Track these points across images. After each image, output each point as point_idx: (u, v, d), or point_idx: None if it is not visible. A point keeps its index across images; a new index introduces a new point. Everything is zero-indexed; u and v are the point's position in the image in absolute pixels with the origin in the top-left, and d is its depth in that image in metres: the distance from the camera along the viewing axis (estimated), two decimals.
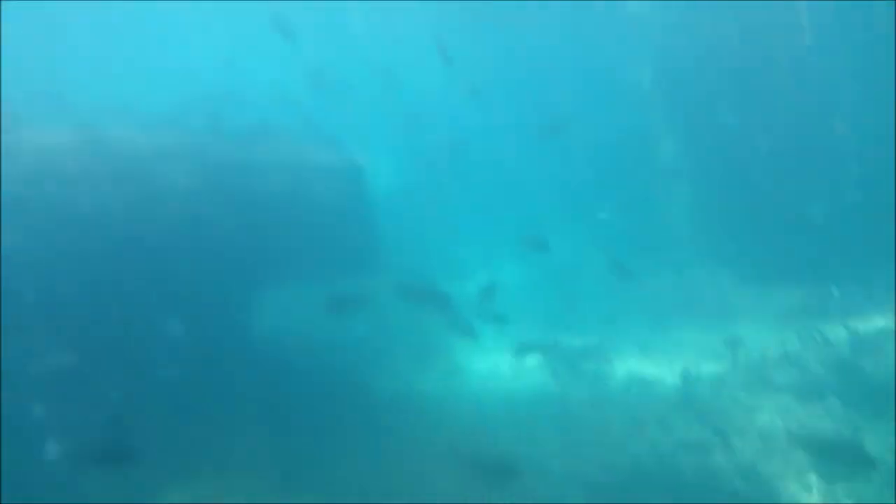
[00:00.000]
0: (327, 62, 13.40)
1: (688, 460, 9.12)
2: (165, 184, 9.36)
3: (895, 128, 12.20)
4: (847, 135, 13.31)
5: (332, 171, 11.50)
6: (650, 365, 12.63)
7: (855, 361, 11.01)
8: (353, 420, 9.41)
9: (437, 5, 14.79)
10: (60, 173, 8.73)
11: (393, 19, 18.35)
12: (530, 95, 16.50)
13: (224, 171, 10.11)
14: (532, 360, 12.41)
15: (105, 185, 8.96)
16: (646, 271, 13.98)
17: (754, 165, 14.25)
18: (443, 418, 10.45)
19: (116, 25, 19.27)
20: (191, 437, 8.12)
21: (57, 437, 7.02)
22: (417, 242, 14.42)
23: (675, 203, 15.93)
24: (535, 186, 16.68)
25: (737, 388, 11.13)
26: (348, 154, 12.15)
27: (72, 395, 7.35)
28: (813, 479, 8.51)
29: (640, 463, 9.06)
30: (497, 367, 12.89)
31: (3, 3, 16.46)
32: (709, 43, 14.56)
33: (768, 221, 14.30)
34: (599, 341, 13.30)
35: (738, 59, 14.13)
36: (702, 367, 12.05)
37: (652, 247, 14.84)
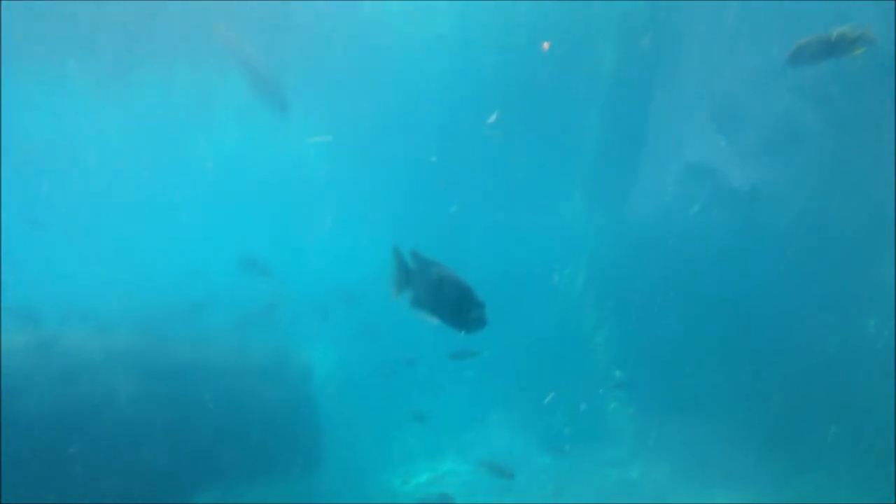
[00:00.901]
0: (289, 281, 14.26)
1: None
2: (110, 389, 9.71)
3: None
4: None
5: (279, 375, 11.95)
6: None
7: None
8: None
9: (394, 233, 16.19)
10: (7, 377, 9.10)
11: (357, 243, 19.76)
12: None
13: (171, 375, 10.51)
14: None
15: (51, 389, 9.30)
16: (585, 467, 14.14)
17: (694, 365, 14.91)
18: None
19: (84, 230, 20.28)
20: None
21: None
22: (361, 442, 14.53)
23: (613, 398, 16.43)
24: (478, 387, 17.17)
25: None
26: (297, 359, 12.65)
27: None
28: None
29: None
30: None
31: None
32: (646, 246, 15.70)
33: (710, 421, 14.71)
34: None
35: (672, 261, 15.22)
36: None
37: (592, 442, 15.11)
